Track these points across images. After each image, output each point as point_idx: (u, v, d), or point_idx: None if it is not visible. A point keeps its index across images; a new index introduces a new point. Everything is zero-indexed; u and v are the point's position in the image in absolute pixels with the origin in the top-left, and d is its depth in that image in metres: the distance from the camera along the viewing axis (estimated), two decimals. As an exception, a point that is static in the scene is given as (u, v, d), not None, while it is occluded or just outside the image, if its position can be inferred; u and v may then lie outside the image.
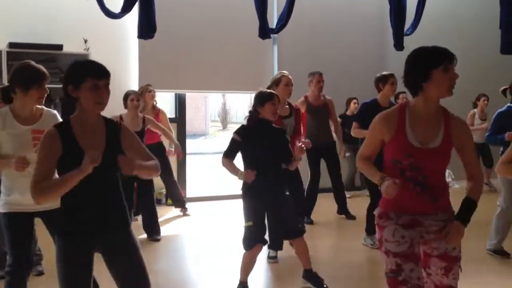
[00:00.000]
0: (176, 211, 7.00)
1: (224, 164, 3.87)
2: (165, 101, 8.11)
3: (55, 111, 3.15)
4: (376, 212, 2.56)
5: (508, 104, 4.89)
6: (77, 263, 2.37)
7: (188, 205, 7.22)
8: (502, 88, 5.53)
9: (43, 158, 2.31)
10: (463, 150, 2.47)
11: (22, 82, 2.92)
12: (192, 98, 24.26)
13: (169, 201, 7.22)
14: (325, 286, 4.07)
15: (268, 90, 4.02)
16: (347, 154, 6.75)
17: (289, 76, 4.89)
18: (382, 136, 2.46)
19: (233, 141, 3.86)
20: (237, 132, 3.89)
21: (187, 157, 8.00)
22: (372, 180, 2.49)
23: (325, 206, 6.81)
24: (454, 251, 2.45)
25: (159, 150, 6.09)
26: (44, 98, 3.02)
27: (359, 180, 8.53)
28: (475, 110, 8.04)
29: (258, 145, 3.80)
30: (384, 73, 5.11)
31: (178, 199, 6.86)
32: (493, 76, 8.81)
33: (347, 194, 7.98)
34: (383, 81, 5.03)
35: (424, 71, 2.33)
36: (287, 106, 4.91)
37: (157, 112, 6.47)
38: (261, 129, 3.85)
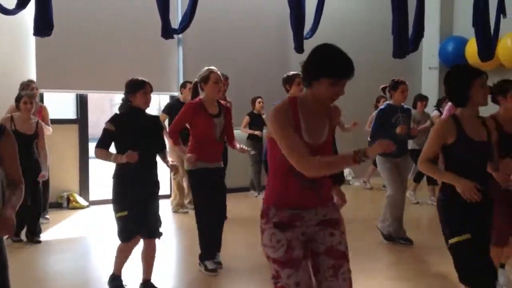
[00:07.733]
0: (78, 213, 6.87)
1: (97, 155, 3.70)
2: (65, 101, 7.86)
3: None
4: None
5: (387, 102, 5.32)
6: None
7: (93, 208, 7.27)
8: (382, 86, 5.78)
9: None
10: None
11: None
12: (97, 100, 23.38)
13: (72, 204, 7.13)
14: None
15: (140, 78, 3.79)
16: (252, 153, 6.72)
17: (218, 73, 4.56)
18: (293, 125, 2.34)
19: (105, 131, 3.70)
20: (109, 121, 3.74)
21: (90, 161, 7.72)
22: (346, 163, 2.28)
23: (239, 204, 6.99)
24: (340, 245, 2.43)
25: None
26: None
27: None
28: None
29: (131, 133, 3.66)
30: (290, 73, 4.96)
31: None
32: (387, 79, 9.39)
33: (255, 194, 8.19)
34: (289, 81, 4.91)
35: (315, 75, 2.33)
36: (215, 104, 4.58)
37: (39, 108, 6.13)
38: (133, 118, 3.72)
